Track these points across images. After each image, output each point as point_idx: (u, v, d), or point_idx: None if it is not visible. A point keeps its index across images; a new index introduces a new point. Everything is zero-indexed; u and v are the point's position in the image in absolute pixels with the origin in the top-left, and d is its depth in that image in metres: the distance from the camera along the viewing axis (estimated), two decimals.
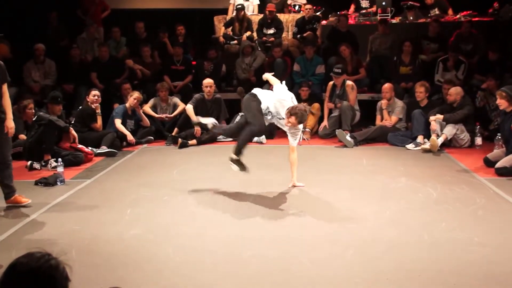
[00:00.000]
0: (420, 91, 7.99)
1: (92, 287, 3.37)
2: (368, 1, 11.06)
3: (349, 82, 8.60)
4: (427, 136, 7.56)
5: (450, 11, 10.69)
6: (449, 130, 7.45)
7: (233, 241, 4.17)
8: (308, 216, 4.75)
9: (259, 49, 10.14)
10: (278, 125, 5.72)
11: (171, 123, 8.69)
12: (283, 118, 5.42)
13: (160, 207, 5.05)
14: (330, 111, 8.71)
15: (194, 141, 8.10)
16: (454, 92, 7.70)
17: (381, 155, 7.28)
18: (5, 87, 4.88)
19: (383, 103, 8.33)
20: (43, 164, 6.69)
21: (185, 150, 7.82)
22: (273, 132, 8.25)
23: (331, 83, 8.72)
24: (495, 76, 8.35)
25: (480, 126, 7.79)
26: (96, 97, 7.88)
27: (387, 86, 8.33)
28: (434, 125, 7.48)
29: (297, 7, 11.39)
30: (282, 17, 10.76)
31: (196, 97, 8.46)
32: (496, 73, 8.60)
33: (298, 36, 10.31)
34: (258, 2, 11.24)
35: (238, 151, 5.42)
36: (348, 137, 7.86)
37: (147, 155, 7.54)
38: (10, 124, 4.86)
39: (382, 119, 8.34)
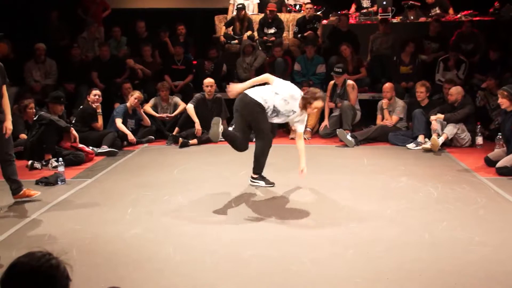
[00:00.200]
0: (421, 90, 7.99)
1: (92, 287, 3.37)
2: (369, 1, 11.06)
3: (349, 82, 8.59)
4: (428, 135, 7.56)
5: (451, 11, 10.69)
6: (450, 130, 7.45)
7: (234, 240, 4.16)
8: (308, 216, 4.74)
9: (260, 48, 10.15)
10: (282, 121, 5.68)
11: (172, 123, 8.69)
12: (294, 112, 5.38)
13: (161, 207, 5.04)
14: (331, 111, 8.70)
15: (195, 141, 8.10)
16: (455, 92, 7.70)
17: (381, 155, 7.28)
18: (4, 88, 4.91)
19: (383, 102, 8.33)
20: (44, 163, 6.69)
21: (186, 150, 7.82)
22: (274, 132, 8.22)
23: (331, 82, 8.72)
24: (494, 76, 8.35)
25: (481, 125, 7.79)
26: (97, 97, 7.89)
27: (387, 85, 8.33)
28: (435, 125, 7.48)
29: (297, 7, 11.40)
30: (282, 16, 10.76)
31: (196, 96, 8.46)
32: (497, 73, 8.60)
33: (299, 35, 10.31)
34: (258, 1, 11.24)
35: (259, 169, 5.62)
36: (348, 137, 7.85)
37: (148, 155, 7.54)
38: (9, 125, 4.89)
39: (382, 118, 8.34)
